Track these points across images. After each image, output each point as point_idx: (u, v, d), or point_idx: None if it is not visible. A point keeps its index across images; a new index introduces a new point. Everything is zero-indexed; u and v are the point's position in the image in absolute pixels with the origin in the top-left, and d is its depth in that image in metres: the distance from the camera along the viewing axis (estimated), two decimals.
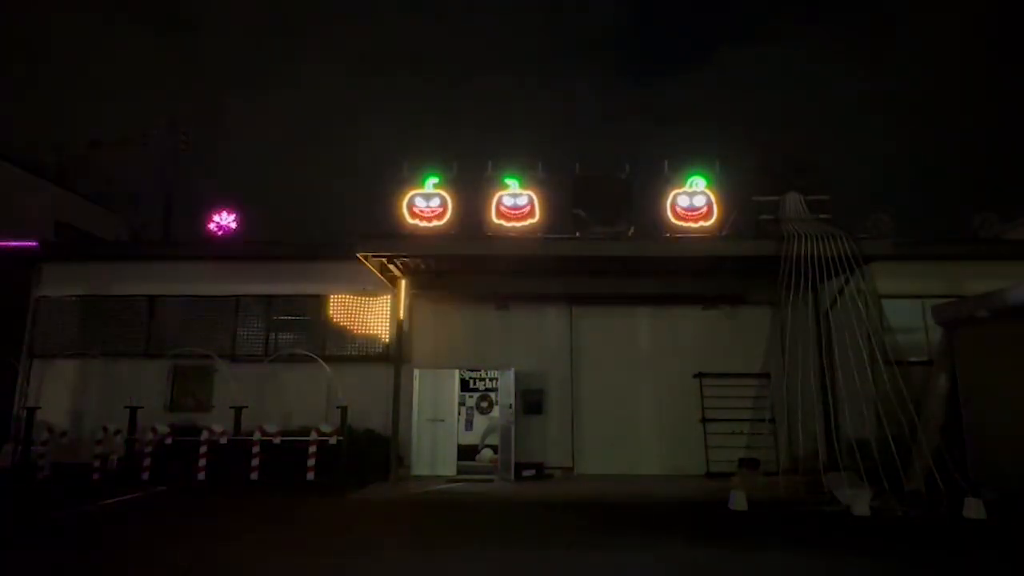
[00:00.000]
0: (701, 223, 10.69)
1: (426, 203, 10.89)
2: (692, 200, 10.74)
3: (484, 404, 14.99)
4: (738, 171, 11.46)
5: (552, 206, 10.98)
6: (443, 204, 10.89)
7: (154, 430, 11.05)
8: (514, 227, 10.73)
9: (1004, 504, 8.21)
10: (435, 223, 10.84)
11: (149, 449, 10.85)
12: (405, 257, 10.94)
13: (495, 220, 10.77)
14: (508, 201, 10.84)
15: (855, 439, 9.48)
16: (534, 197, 10.87)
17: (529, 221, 10.76)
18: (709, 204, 10.72)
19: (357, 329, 12.72)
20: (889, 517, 8.06)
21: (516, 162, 11.20)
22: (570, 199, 11.17)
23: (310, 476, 10.53)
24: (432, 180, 11.04)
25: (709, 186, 10.83)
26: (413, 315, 12.36)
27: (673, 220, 10.71)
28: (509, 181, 10.91)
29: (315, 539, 7.04)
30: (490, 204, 10.84)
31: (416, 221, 10.84)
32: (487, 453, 13.60)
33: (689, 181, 10.85)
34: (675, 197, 10.77)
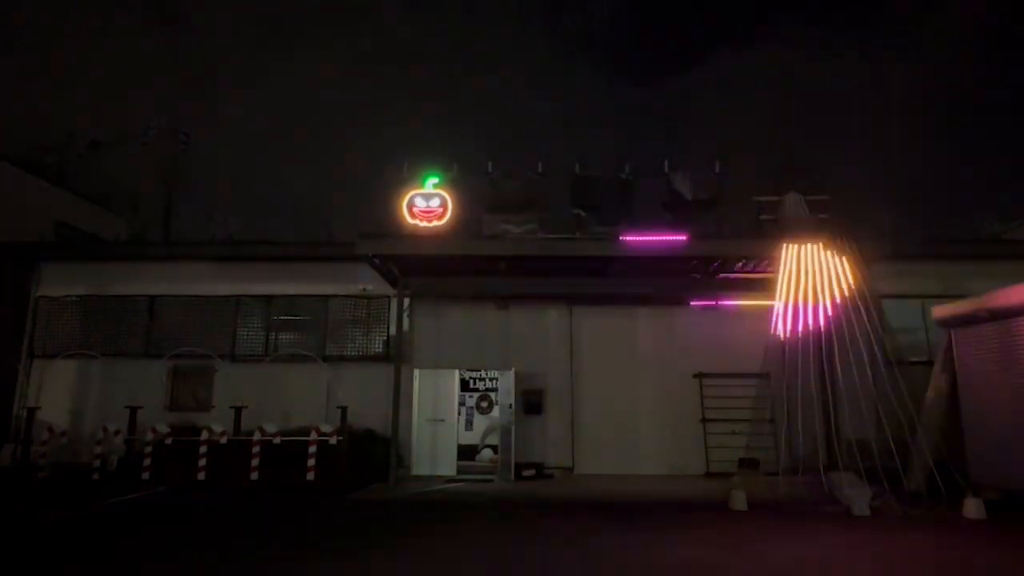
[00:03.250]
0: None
1: (426, 203, 10.90)
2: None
3: (484, 404, 14.99)
4: (739, 170, 11.46)
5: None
6: (443, 204, 10.91)
7: (154, 430, 11.05)
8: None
9: (1004, 504, 8.21)
10: (435, 223, 10.85)
11: (149, 449, 10.85)
12: (405, 257, 10.95)
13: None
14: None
15: (855, 439, 9.48)
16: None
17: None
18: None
19: (357, 329, 12.72)
20: (889, 517, 8.06)
21: (514, 161, 11.19)
22: (570, 198, 11.15)
23: (310, 476, 10.53)
24: (432, 180, 11.06)
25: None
26: (413, 315, 12.36)
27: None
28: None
29: (315, 539, 7.04)
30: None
31: (416, 221, 10.85)
32: (487, 453, 13.59)
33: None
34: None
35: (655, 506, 8.96)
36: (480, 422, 14.83)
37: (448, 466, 11.78)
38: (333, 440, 10.76)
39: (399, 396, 11.17)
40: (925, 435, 9.46)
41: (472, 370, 12.60)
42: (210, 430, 10.97)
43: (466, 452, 12.92)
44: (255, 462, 10.67)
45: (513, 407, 11.65)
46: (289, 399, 12.12)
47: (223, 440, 10.92)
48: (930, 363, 10.77)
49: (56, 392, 12.68)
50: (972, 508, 7.96)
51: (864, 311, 9.96)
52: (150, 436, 10.94)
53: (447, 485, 10.78)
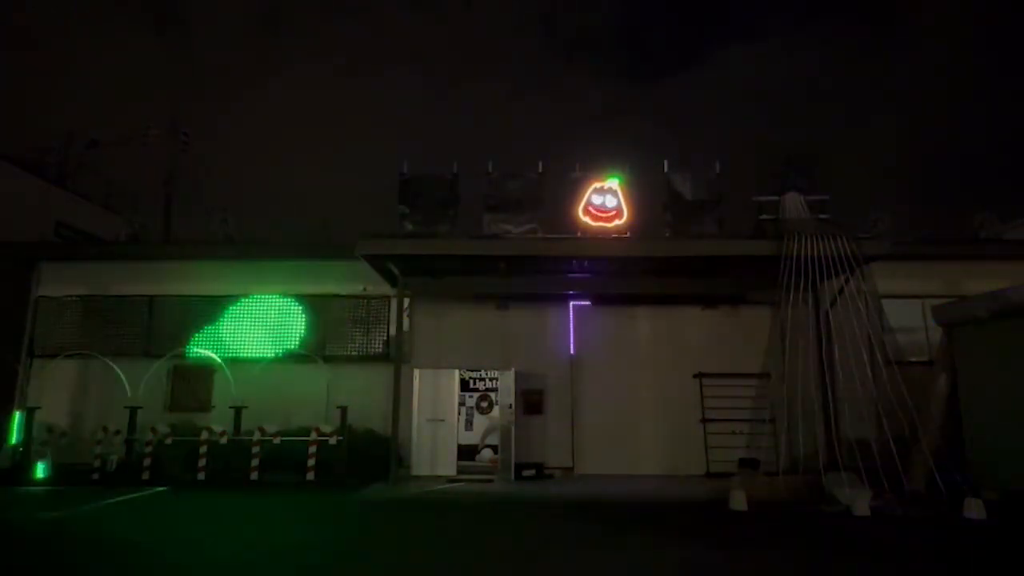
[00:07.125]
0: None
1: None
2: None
3: (484, 404, 14.95)
4: (738, 170, 11.47)
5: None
6: None
7: (154, 430, 11.05)
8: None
9: (1004, 504, 8.20)
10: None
11: (149, 449, 10.85)
12: (405, 257, 10.95)
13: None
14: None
15: (855, 439, 9.48)
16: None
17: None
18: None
19: (357, 329, 12.72)
20: (889, 517, 8.06)
21: (514, 161, 11.19)
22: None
23: (310, 476, 10.54)
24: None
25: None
26: (413, 315, 12.36)
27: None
28: None
29: (316, 539, 7.05)
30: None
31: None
32: (487, 453, 13.58)
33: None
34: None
35: (655, 506, 8.97)
36: (480, 422, 14.77)
37: (448, 466, 11.78)
38: (333, 440, 10.76)
39: (399, 396, 11.18)
40: (925, 435, 9.46)
41: (472, 370, 12.61)
42: (210, 430, 10.97)
43: (466, 452, 12.88)
44: (255, 462, 10.67)
45: (513, 407, 11.65)
46: (289, 399, 12.12)
47: (223, 440, 10.93)
48: (930, 363, 10.77)
49: (56, 392, 12.67)
50: (972, 508, 7.96)
51: (864, 310, 9.97)
52: (150, 436, 10.94)
53: (447, 485, 10.78)
